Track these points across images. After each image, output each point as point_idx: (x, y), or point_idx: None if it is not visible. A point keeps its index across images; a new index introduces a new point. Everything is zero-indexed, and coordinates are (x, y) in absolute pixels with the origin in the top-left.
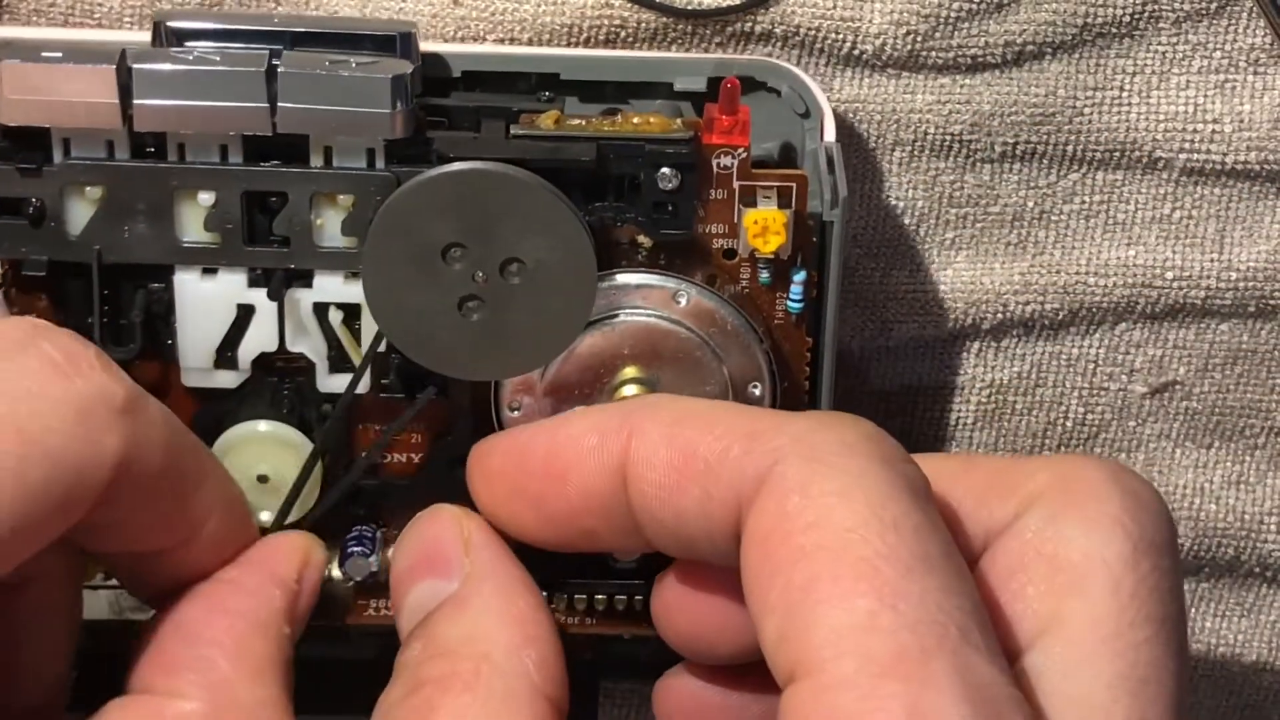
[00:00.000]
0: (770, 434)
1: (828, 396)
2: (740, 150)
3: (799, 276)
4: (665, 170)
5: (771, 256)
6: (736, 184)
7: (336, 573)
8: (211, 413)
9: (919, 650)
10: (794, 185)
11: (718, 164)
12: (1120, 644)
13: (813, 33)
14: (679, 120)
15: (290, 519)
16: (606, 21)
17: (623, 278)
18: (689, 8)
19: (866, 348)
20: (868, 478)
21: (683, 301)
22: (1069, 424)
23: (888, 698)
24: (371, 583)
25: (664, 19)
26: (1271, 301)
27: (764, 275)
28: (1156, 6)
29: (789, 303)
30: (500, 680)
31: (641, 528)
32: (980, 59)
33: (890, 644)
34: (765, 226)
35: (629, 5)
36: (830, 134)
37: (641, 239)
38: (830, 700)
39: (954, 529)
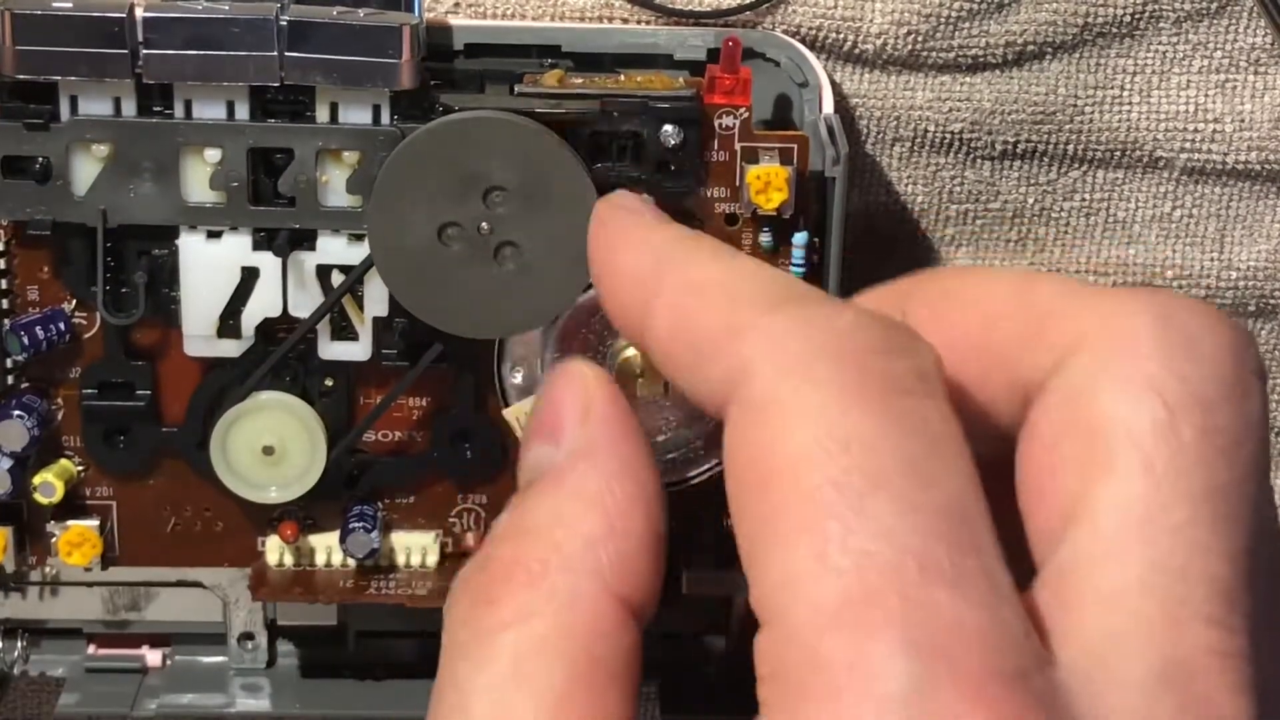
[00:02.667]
0: (745, 332)
1: None
2: (742, 110)
3: (800, 239)
4: (668, 128)
5: (774, 214)
6: (739, 145)
7: (337, 552)
8: (214, 383)
9: (863, 594)
10: (795, 145)
11: (720, 124)
12: (1153, 529)
13: (814, 32)
14: (681, 79)
15: (294, 494)
16: (605, 23)
17: None
18: (689, 8)
19: None
20: (833, 385)
21: None
22: None
23: (831, 651)
24: (372, 562)
25: (664, 19)
26: (1271, 301)
27: (766, 238)
28: (1157, 6)
29: (791, 267)
30: (567, 577)
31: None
32: (981, 58)
33: (835, 588)
34: (768, 182)
35: (629, 5)
36: (829, 105)
37: (645, 198)
38: (780, 654)
39: (988, 386)
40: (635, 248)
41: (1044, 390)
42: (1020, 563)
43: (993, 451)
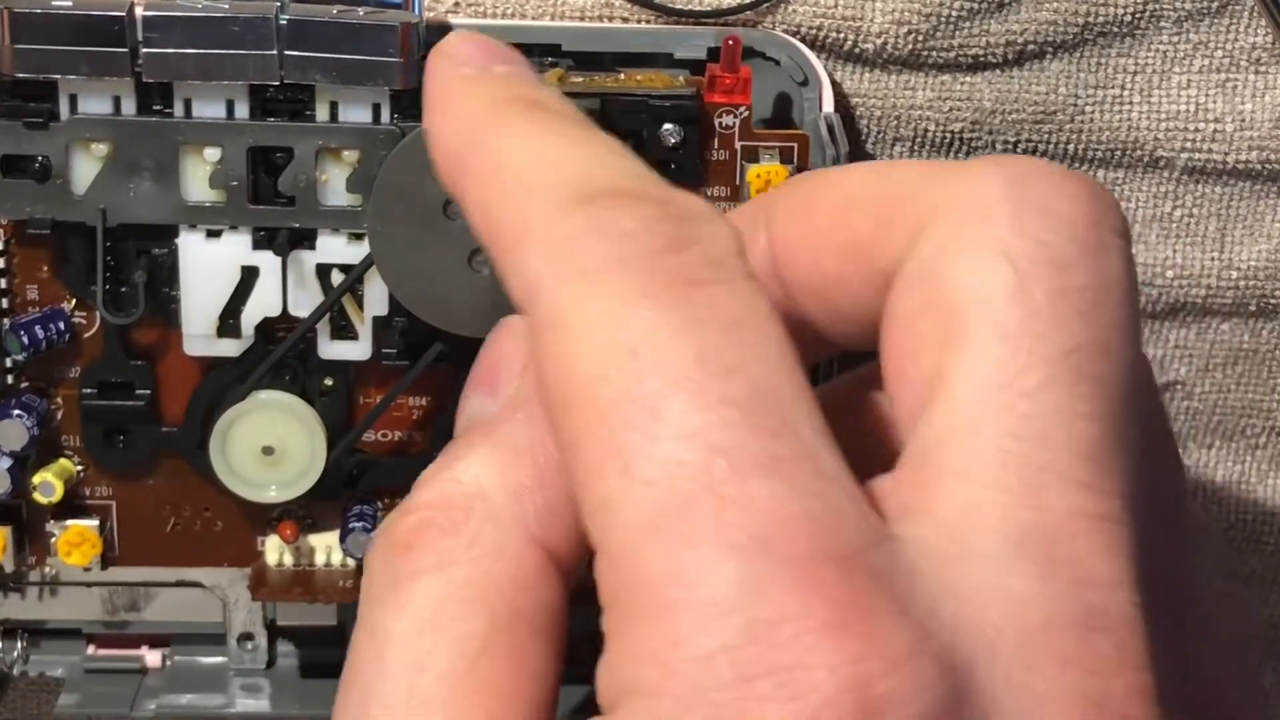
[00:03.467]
0: (532, 236)
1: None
2: (742, 109)
3: None
4: (668, 126)
5: None
6: (739, 143)
7: (337, 552)
8: (214, 383)
9: (675, 501)
10: (795, 144)
11: (720, 123)
12: (1009, 396)
13: (814, 32)
14: (681, 78)
15: (293, 494)
16: (605, 23)
17: None
18: (689, 7)
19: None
20: (618, 291)
21: None
22: None
23: (651, 567)
24: None
25: (664, 18)
26: (1272, 301)
27: None
28: (1158, 6)
29: None
30: (491, 526)
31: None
32: (981, 58)
33: (646, 501)
34: (768, 181)
35: (629, 6)
36: (829, 104)
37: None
38: (608, 579)
39: (848, 270)
40: (448, 114)
41: (899, 271)
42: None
43: (870, 344)
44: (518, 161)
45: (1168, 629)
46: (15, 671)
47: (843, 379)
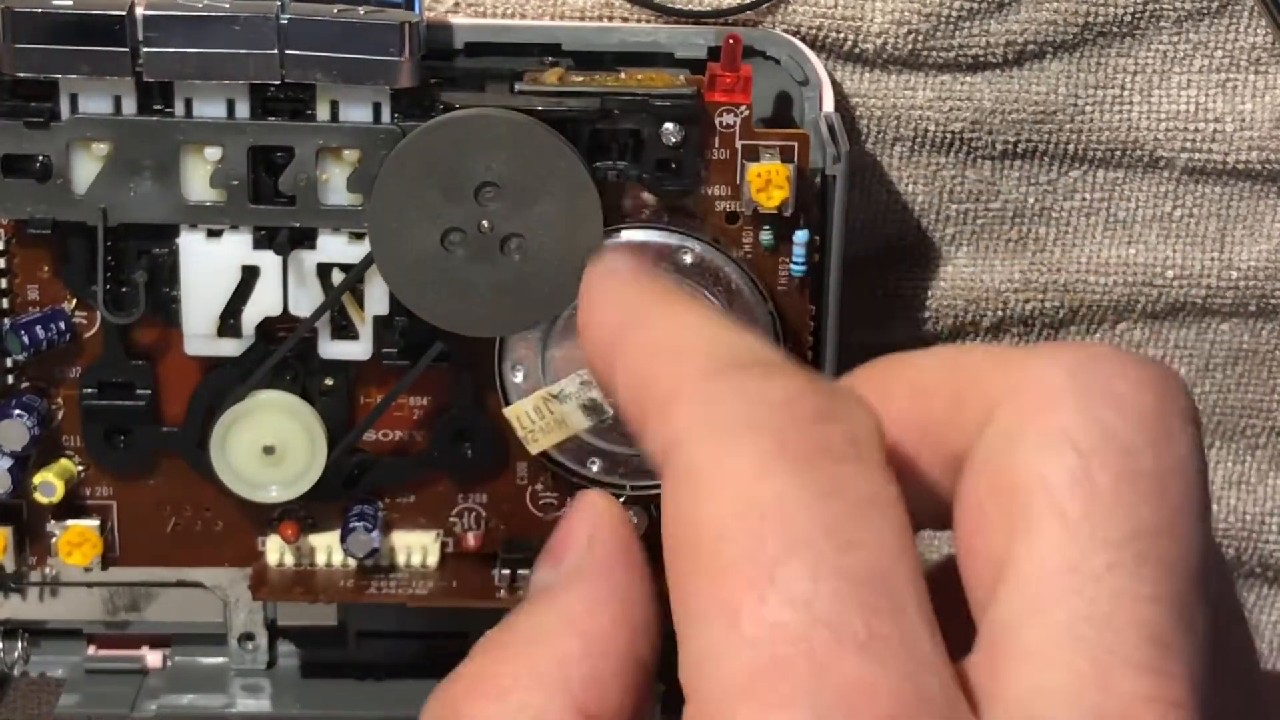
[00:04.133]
0: (680, 396)
1: (832, 361)
2: (742, 108)
3: (801, 237)
4: (669, 126)
5: (774, 212)
6: (739, 143)
7: (337, 552)
8: (214, 382)
9: (773, 664)
10: (796, 143)
11: (720, 122)
12: (1076, 580)
13: (814, 32)
14: (681, 77)
15: (296, 493)
16: (606, 22)
17: (628, 234)
18: (689, 7)
19: (865, 344)
20: (756, 453)
21: (687, 258)
22: None
23: None
24: (372, 562)
25: (664, 19)
26: (1272, 301)
27: (766, 237)
28: (1158, 6)
29: (792, 266)
30: (535, 694)
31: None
32: (981, 58)
33: (746, 660)
34: (769, 180)
35: (629, 6)
36: (829, 104)
37: (645, 197)
38: None
39: (923, 453)
40: (606, 306)
41: (969, 456)
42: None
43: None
44: (668, 335)
45: None
46: (15, 671)
47: (931, 563)
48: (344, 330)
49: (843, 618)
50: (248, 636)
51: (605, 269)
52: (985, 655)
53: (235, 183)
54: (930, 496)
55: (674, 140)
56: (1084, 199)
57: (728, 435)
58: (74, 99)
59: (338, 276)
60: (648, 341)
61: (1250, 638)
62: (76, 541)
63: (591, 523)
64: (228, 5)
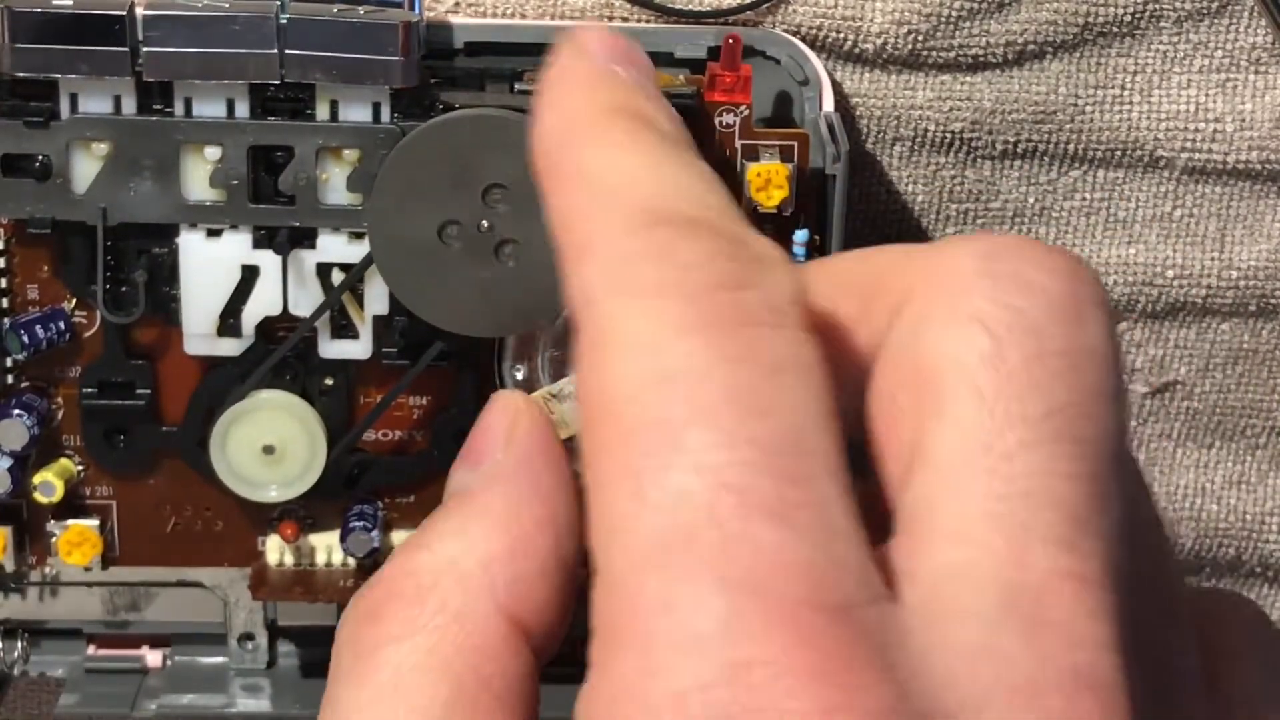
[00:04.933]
0: (596, 250)
1: None
2: (742, 108)
3: (801, 236)
4: None
5: (774, 211)
6: (739, 142)
7: (338, 552)
8: (214, 382)
9: (678, 532)
10: (795, 143)
11: (720, 122)
12: (991, 458)
13: (814, 32)
14: (681, 77)
15: (294, 494)
16: (606, 23)
17: None
18: (689, 7)
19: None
20: (668, 317)
21: None
22: None
23: (643, 595)
24: (372, 562)
25: (664, 18)
26: (1272, 301)
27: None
28: (1158, 5)
29: None
30: (458, 594)
31: None
32: (981, 58)
33: (651, 528)
34: (768, 180)
35: (629, 6)
36: (829, 104)
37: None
38: (602, 603)
39: (839, 346)
40: (557, 108)
41: (881, 349)
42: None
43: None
44: (601, 172)
45: (1152, 700)
46: (15, 671)
47: None
48: (344, 330)
49: (752, 485)
50: (248, 636)
51: (575, 53)
52: (903, 537)
53: (235, 182)
54: (849, 397)
55: None
56: (1084, 199)
57: (638, 298)
58: (73, 98)
59: (338, 276)
60: (583, 170)
61: (1169, 544)
62: (76, 541)
63: (508, 422)
64: (228, 5)
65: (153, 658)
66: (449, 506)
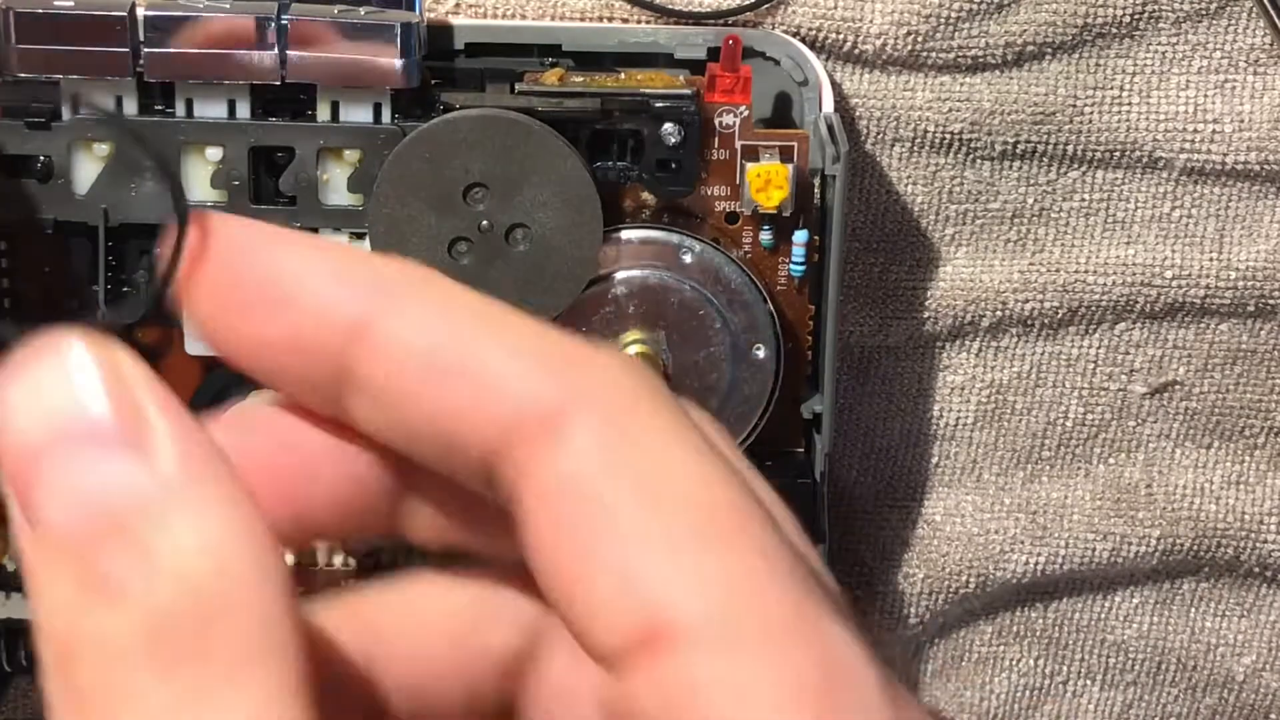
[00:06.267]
0: (575, 365)
1: (831, 361)
2: (742, 109)
3: (801, 237)
4: (668, 126)
5: (774, 212)
6: (739, 143)
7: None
8: (215, 382)
9: (796, 609)
10: (795, 143)
11: (720, 123)
12: None
13: (813, 33)
14: (681, 78)
15: None
16: (606, 23)
17: (628, 233)
18: (689, 9)
19: (865, 345)
20: (679, 423)
21: (688, 258)
22: (1069, 424)
23: (790, 660)
24: (373, 561)
25: (664, 20)
26: (1271, 301)
27: (766, 237)
28: (1156, 7)
29: (791, 266)
30: (258, 631)
31: (346, 399)
32: (980, 59)
33: (779, 604)
34: (768, 180)
35: (629, 6)
36: (829, 104)
37: (645, 197)
38: (704, 665)
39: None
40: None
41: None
42: None
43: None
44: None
45: None
46: (15, 671)
47: None
48: None
49: (803, 565)
50: None
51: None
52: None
53: (236, 183)
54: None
55: (674, 141)
56: (1083, 199)
57: (650, 396)
58: (75, 101)
59: None
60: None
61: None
62: None
63: (109, 372)
64: (228, 6)
65: None
66: (161, 511)
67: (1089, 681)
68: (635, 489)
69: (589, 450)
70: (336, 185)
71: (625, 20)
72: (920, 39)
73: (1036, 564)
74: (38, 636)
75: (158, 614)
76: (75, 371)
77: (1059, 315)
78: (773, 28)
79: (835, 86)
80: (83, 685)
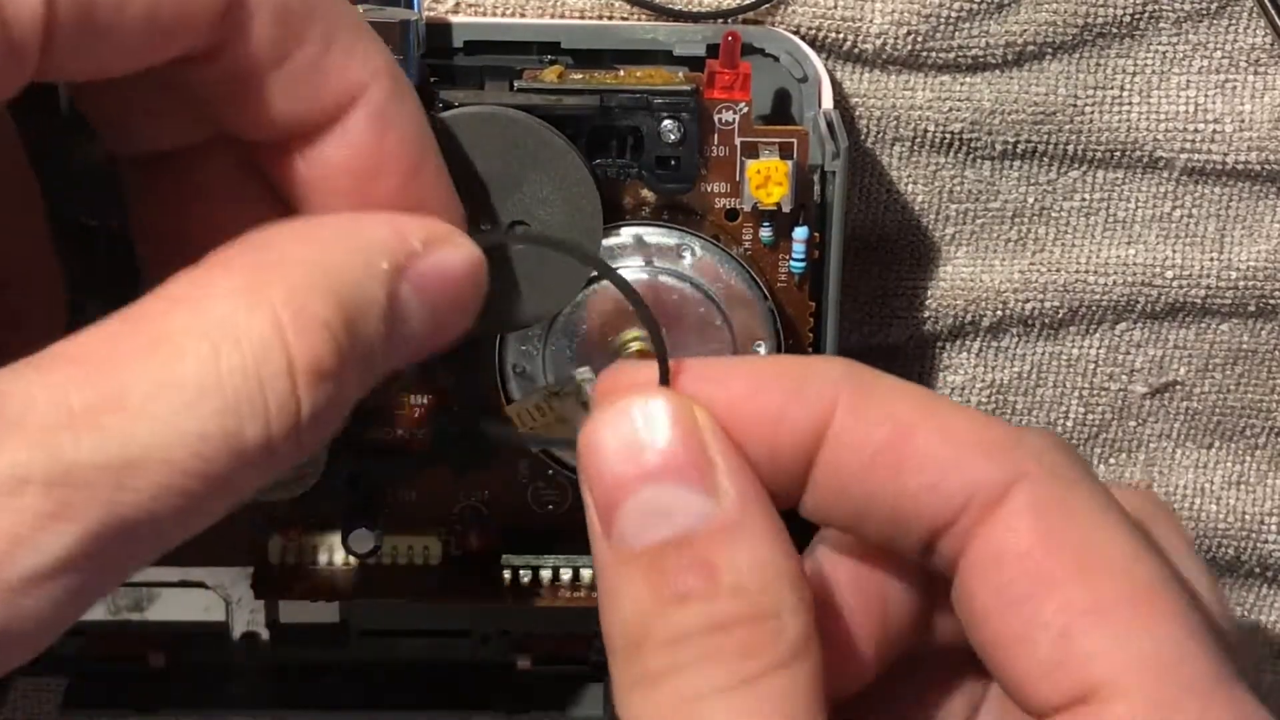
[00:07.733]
0: (1012, 449)
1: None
2: (742, 105)
3: (801, 234)
4: (668, 123)
5: (774, 208)
6: (738, 140)
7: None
8: None
9: (1213, 674)
10: (795, 140)
11: (719, 119)
12: None
13: (813, 32)
14: (680, 74)
15: (297, 492)
16: (604, 22)
17: (628, 231)
18: (689, 8)
19: (865, 345)
20: (1106, 499)
21: (688, 257)
22: (1069, 424)
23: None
24: (374, 560)
25: (663, 20)
26: (1271, 301)
27: (766, 234)
28: (1157, 6)
29: (791, 263)
30: (794, 642)
31: (811, 492)
32: (981, 58)
33: (1198, 668)
34: (768, 176)
35: (629, 7)
36: (828, 101)
37: (645, 194)
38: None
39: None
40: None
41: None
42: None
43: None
44: None
45: None
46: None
47: None
48: None
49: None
50: (250, 635)
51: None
52: None
53: None
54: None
55: (673, 138)
56: (1084, 199)
57: (1081, 476)
58: (73, 99)
59: None
60: None
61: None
62: None
63: (692, 424)
64: None
65: (155, 657)
66: (722, 538)
67: None
68: (1072, 561)
69: (1029, 525)
70: None
71: (625, 19)
72: (920, 38)
73: None
74: (609, 629)
75: (716, 616)
76: (657, 420)
77: (1059, 315)
78: (773, 27)
79: (835, 85)
80: (651, 667)
